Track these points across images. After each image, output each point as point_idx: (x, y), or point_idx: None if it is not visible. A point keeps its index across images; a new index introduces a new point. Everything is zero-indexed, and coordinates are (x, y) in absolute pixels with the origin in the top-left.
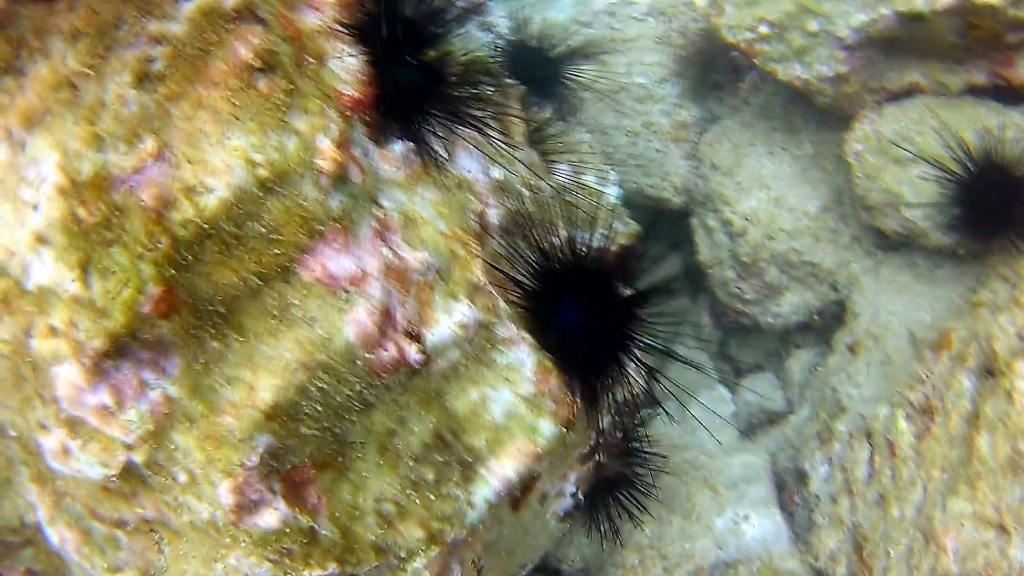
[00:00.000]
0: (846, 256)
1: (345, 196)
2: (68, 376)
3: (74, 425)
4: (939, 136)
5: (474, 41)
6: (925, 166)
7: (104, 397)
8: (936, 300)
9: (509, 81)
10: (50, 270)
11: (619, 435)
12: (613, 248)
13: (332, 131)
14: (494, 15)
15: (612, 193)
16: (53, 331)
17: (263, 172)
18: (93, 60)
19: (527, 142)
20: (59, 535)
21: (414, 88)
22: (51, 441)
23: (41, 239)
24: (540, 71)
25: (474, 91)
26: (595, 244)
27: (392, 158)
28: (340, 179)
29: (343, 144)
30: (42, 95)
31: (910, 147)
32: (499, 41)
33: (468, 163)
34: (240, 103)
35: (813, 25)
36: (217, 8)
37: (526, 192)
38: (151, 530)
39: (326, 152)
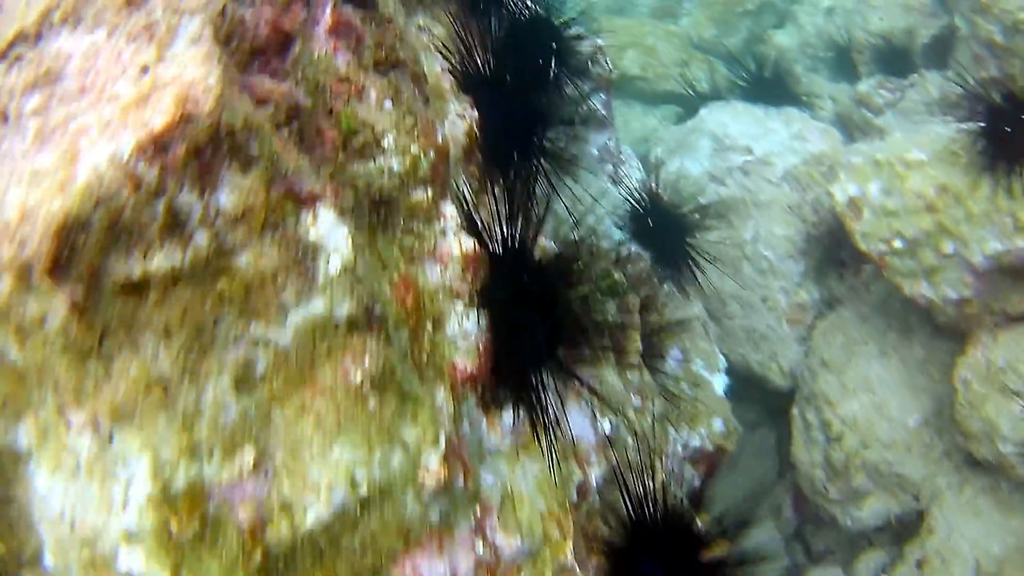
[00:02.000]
0: (934, 469)
1: (447, 504)
2: None
3: None
4: None
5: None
6: None
7: None
8: (1010, 532)
9: (636, 251)
10: (141, 566)
11: None
12: (710, 449)
13: (440, 443)
14: (628, 164)
15: (719, 384)
16: None
17: (365, 492)
18: (188, 360)
19: (639, 355)
20: None
21: (533, 349)
22: None
23: (131, 538)
24: (667, 229)
25: (596, 324)
26: (692, 447)
27: (501, 428)
28: (444, 490)
29: (451, 454)
30: (131, 392)
31: (1017, 379)
32: (629, 196)
33: (578, 420)
34: (346, 417)
35: (948, 247)
36: (328, 322)
37: (630, 440)
38: None
39: (432, 469)
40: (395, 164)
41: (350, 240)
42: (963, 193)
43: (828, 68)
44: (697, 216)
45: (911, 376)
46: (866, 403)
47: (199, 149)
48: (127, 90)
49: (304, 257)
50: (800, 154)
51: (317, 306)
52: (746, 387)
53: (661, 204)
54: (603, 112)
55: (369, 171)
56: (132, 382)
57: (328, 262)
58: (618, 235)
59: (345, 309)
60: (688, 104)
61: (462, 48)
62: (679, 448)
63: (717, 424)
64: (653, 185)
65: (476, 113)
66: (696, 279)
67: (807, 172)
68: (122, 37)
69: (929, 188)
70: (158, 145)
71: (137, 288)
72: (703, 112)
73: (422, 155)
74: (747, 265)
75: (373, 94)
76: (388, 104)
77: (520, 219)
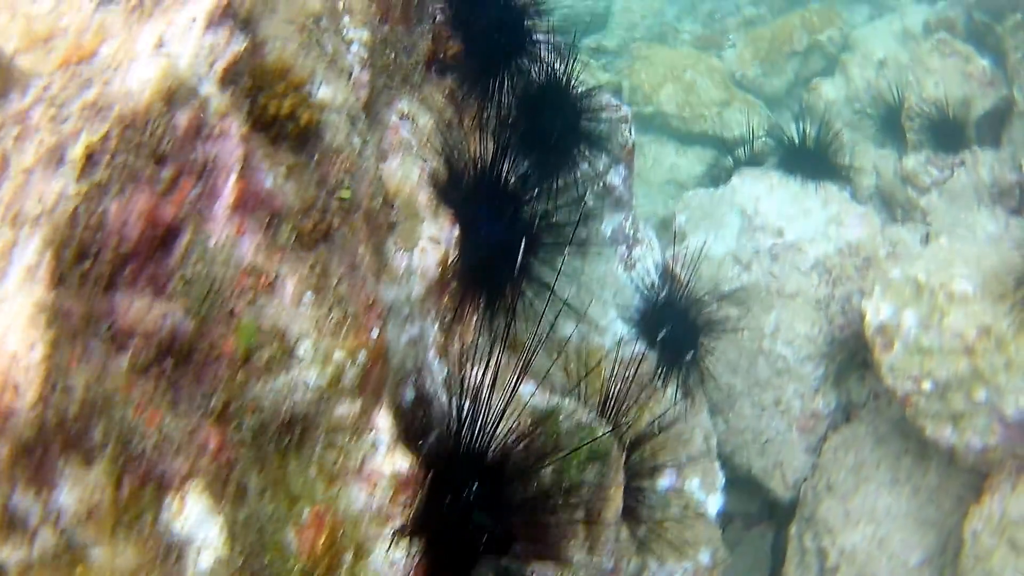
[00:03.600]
0: None
1: None
2: None
3: None
4: None
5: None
6: None
7: None
8: None
9: (639, 350)
10: None
11: None
12: None
13: None
14: (644, 244)
15: (713, 505)
16: None
17: None
18: None
19: (619, 513)
20: None
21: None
22: None
23: None
24: (679, 320)
25: (568, 500)
26: None
27: None
28: None
29: None
30: None
31: None
32: (640, 284)
33: None
34: None
35: (980, 395)
36: None
37: None
38: None
39: None
40: (312, 377)
41: (226, 530)
42: (1007, 338)
43: (875, 126)
44: (714, 306)
45: (920, 507)
46: (868, 535)
47: (26, 447)
48: None
49: (168, 555)
50: (835, 242)
51: None
52: (748, 482)
53: (675, 292)
54: (621, 188)
55: (278, 388)
56: None
57: (198, 557)
58: (623, 331)
59: None
60: (724, 148)
61: (451, 143)
62: None
63: (704, 557)
64: (670, 266)
65: (456, 232)
66: (705, 381)
67: (840, 264)
68: None
69: (971, 329)
70: None
71: None
72: (735, 181)
73: (349, 361)
74: (763, 362)
75: (289, 286)
76: (308, 297)
77: (492, 377)
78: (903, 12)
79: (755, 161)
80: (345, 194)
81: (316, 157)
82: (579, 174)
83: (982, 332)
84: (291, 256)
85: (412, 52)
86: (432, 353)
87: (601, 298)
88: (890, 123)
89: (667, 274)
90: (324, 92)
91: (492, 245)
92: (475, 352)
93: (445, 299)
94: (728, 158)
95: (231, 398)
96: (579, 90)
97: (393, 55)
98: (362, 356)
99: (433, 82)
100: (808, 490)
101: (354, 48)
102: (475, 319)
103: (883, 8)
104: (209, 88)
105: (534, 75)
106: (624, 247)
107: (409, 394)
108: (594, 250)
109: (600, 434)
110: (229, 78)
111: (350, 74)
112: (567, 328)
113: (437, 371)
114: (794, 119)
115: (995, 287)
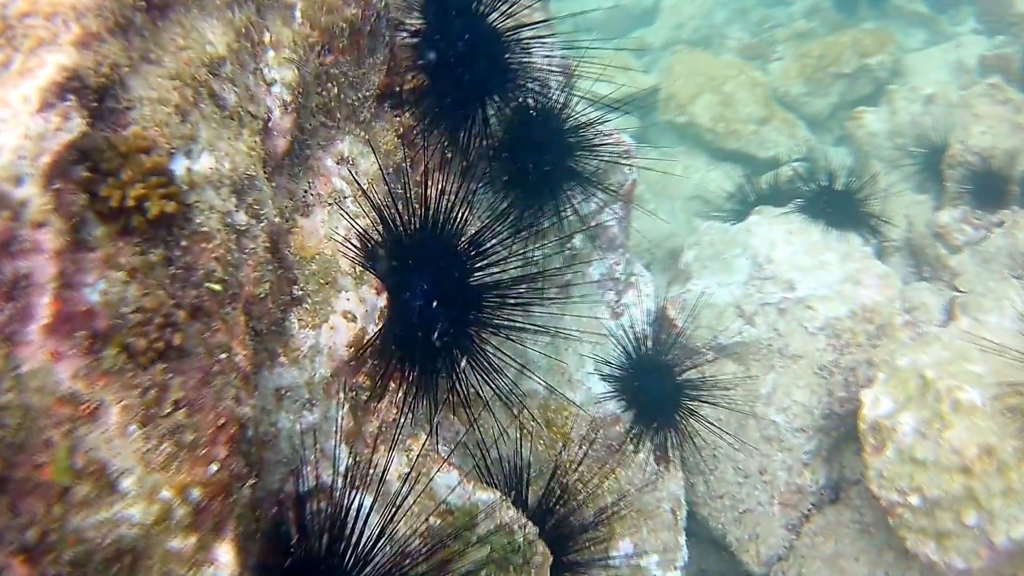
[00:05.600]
0: None
1: None
2: None
3: None
4: None
5: None
6: None
7: None
8: None
9: (611, 412)
10: None
11: None
12: None
13: None
14: (638, 287)
15: None
16: None
17: None
18: None
19: None
20: None
21: None
22: None
23: None
24: (665, 380)
25: None
26: None
27: None
28: None
29: None
30: None
31: None
32: (624, 337)
33: None
34: None
35: (971, 518)
36: None
37: None
38: None
39: None
40: (136, 514)
41: None
42: (1009, 463)
43: (915, 166)
44: (707, 362)
45: None
46: None
47: None
48: None
49: None
50: (849, 303)
51: None
52: (725, 546)
53: (664, 344)
54: (615, 229)
55: (100, 522)
56: None
57: None
58: (598, 387)
59: None
60: (754, 168)
61: (396, 191)
62: None
63: None
64: (665, 311)
65: (381, 303)
66: (684, 439)
67: (851, 328)
68: None
69: (972, 447)
70: None
71: None
72: (752, 220)
73: (178, 499)
74: (753, 425)
75: (112, 415)
76: (133, 429)
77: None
78: (960, 42)
79: (779, 195)
80: (215, 286)
81: (181, 246)
82: (567, 216)
83: (983, 452)
84: (117, 381)
85: (361, 85)
86: (335, 440)
87: (579, 349)
88: (931, 166)
89: (661, 321)
90: (202, 164)
91: (426, 314)
92: (392, 436)
93: (360, 378)
94: (750, 187)
95: (48, 531)
96: (574, 122)
97: (335, 90)
98: (195, 493)
99: (386, 118)
100: (779, 574)
101: (276, 90)
102: (399, 397)
103: (940, 35)
104: (28, 189)
105: (520, 106)
106: (613, 292)
107: (302, 487)
108: (576, 296)
109: (519, 538)
110: (57, 172)
111: (267, 121)
112: (532, 382)
113: (339, 460)
114: (834, 145)
115: (1009, 398)
